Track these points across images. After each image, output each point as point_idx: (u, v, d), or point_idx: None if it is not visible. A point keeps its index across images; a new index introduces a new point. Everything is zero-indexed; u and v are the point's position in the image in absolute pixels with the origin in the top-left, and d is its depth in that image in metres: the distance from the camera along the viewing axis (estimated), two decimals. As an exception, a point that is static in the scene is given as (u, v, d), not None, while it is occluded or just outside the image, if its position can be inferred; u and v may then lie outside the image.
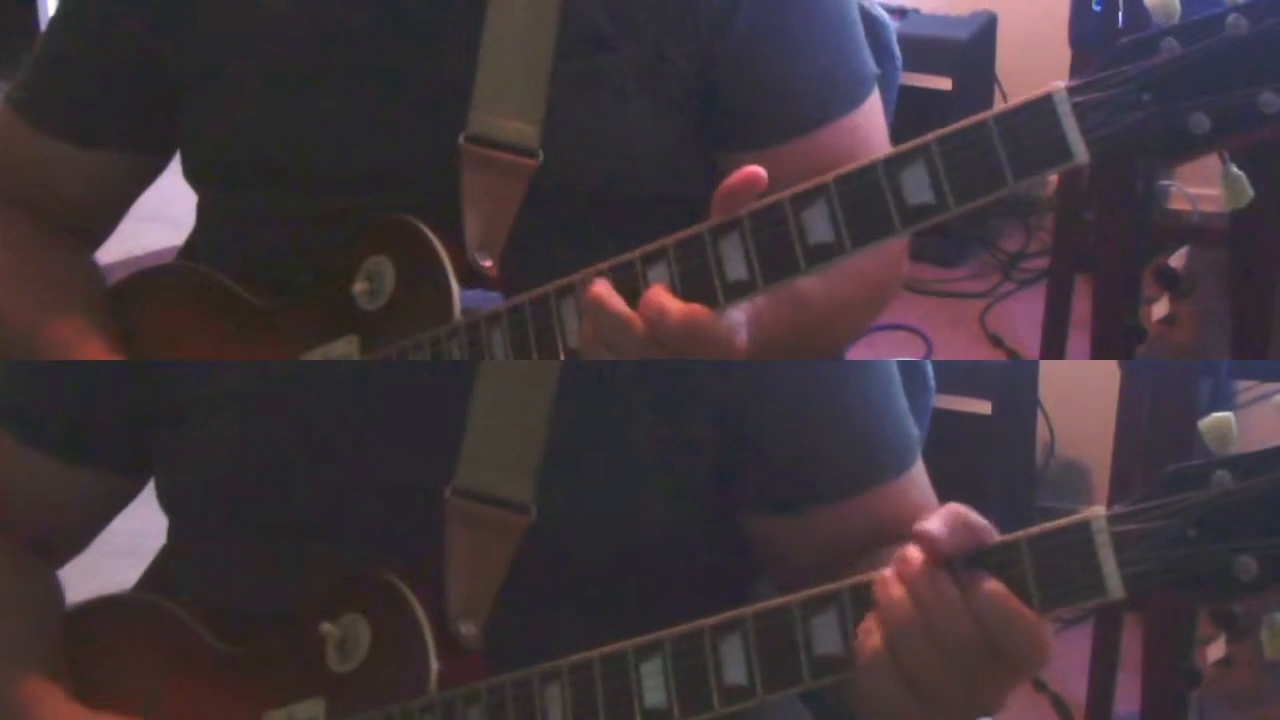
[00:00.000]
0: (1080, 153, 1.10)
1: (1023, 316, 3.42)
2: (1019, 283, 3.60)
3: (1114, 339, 2.95)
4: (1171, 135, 1.08)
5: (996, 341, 3.40)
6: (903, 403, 1.37)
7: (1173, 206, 3.38)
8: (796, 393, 1.31)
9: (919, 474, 1.35)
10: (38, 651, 1.38)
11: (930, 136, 1.15)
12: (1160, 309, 3.24)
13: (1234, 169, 1.08)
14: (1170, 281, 3.25)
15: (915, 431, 1.37)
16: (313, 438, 1.33)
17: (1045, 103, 1.11)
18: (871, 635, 1.09)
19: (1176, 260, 3.31)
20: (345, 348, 1.32)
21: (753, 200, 1.20)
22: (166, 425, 1.38)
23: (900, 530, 1.28)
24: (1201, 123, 1.07)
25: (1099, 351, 3.03)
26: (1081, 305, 3.12)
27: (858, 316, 1.47)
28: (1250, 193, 1.07)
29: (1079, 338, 3.14)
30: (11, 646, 1.38)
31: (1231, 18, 1.07)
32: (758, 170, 1.21)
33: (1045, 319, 3.15)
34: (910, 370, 1.47)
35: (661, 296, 1.20)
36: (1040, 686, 2.83)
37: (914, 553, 1.08)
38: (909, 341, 3.30)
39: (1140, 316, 3.10)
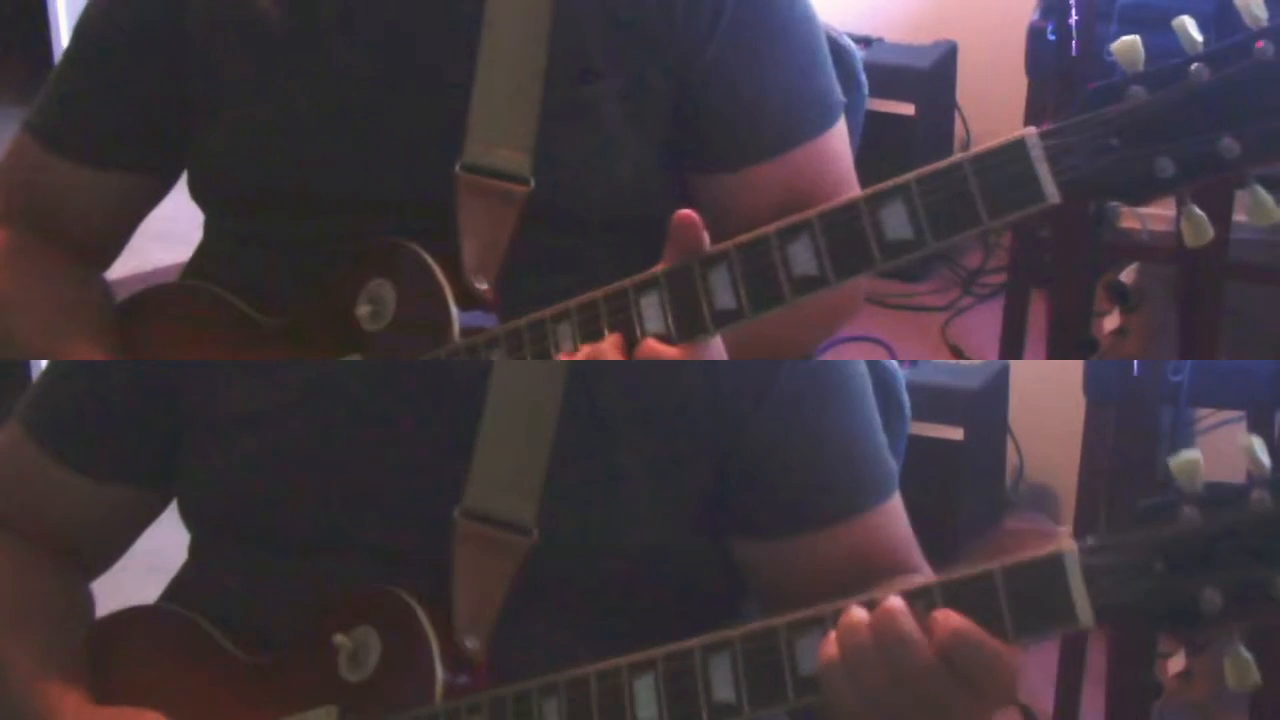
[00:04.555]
0: (1052, 194, 1.11)
1: (982, 328, 3.42)
2: (978, 297, 3.59)
3: (1068, 350, 2.96)
4: (1138, 178, 1.08)
5: (957, 352, 3.40)
6: (881, 434, 1.36)
7: (1124, 225, 3.39)
8: (785, 420, 1.31)
9: (897, 504, 1.35)
10: (64, 658, 1.38)
11: (910, 176, 1.16)
12: (1112, 322, 3.24)
13: (1196, 209, 1.08)
14: (1121, 296, 3.25)
15: (894, 463, 1.37)
16: (329, 458, 1.32)
17: (1019, 146, 1.12)
18: (831, 648, 1.10)
19: (1127, 275, 3.32)
20: (325, 718, 1.31)
21: (696, 241, 1.22)
22: (189, 442, 1.38)
23: (880, 560, 1.28)
24: (1166, 166, 1.08)
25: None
26: (1037, 318, 3.13)
27: (807, 333, 1.47)
28: (1211, 232, 1.07)
29: (1035, 348, 3.15)
30: (41, 652, 1.37)
31: (1194, 66, 1.07)
32: (689, 214, 1.22)
33: (1003, 331, 3.16)
34: (888, 399, 1.46)
35: (657, 348, 1.22)
36: (1010, 698, 2.82)
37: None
38: (874, 352, 3.30)
39: (1093, 329, 3.12)
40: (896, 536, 1.33)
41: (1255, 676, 1.02)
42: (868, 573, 1.26)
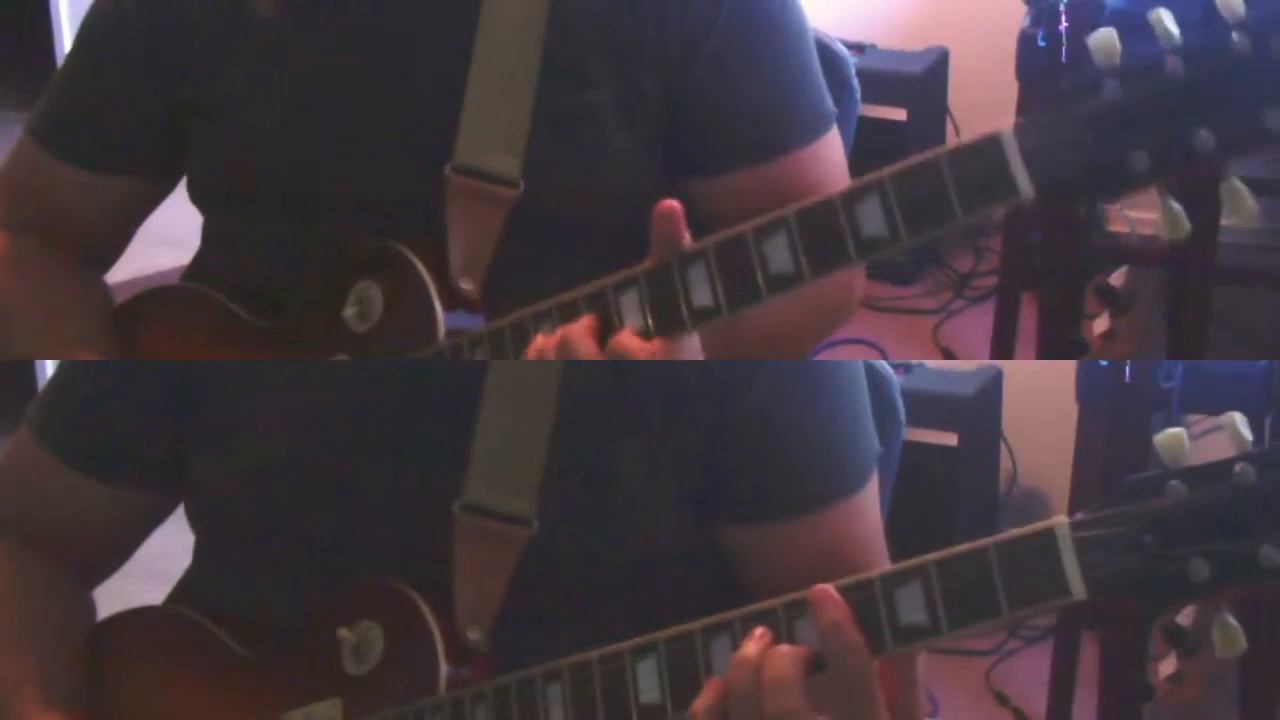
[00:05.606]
0: (1026, 189, 1.10)
1: (973, 331, 3.42)
2: (969, 300, 3.59)
3: (1058, 352, 2.95)
4: (1113, 172, 1.08)
5: (948, 354, 3.40)
6: (868, 415, 1.36)
7: (1113, 229, 3.38)
8: (771, 400, 1.30)
9: (872, 489, 1.34)
10: (56, 679, 1.37)
11: (885, 172, 1.15)
12: (1101, 324, 3.24)
13: (1173, 204, 1.08)
14: (1110, 299, 3.24)
15: (875, 445, 1.36)
16: (332, 457, 1.32)
17: (994, 142, 1.11)
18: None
19: (1116, 279, 3.31)
20: (329, 711, 1.31)
21: (676, 232, 1.21)
22: (194, 444, 1.37)
23: (852, 549, 1.27)
24: (1141, 160, 1.07)
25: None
26: (1028, 321, 3.12)
27: (802, 336, 1.46)
28: (1188, 227, 1.06)
29: (1026, 351, 3.14)
30: (32, 672, 1.37)
31: (1170, 60, 1.06)
32: (671, 204, 1.22)
33: (994, 333, 3.15)
34: (883, 403, 1.45)
35: (629, 342, 1.21)
36: (1003, 701, 2.83)
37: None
38: (865, 354, 3.29)
39: (1082, 331, 3.11)
40: (867, 524, 1.33)
41: (1242, 643, 1.04)
42: (850, 559, 1.25)
